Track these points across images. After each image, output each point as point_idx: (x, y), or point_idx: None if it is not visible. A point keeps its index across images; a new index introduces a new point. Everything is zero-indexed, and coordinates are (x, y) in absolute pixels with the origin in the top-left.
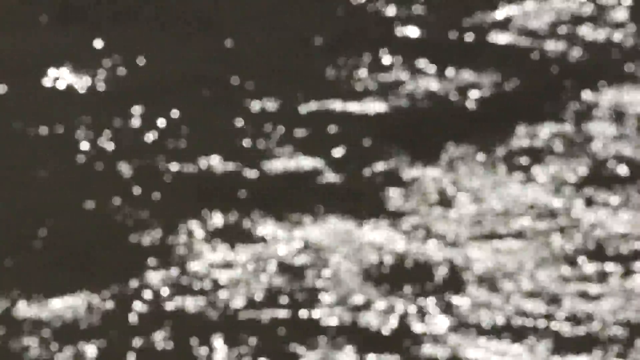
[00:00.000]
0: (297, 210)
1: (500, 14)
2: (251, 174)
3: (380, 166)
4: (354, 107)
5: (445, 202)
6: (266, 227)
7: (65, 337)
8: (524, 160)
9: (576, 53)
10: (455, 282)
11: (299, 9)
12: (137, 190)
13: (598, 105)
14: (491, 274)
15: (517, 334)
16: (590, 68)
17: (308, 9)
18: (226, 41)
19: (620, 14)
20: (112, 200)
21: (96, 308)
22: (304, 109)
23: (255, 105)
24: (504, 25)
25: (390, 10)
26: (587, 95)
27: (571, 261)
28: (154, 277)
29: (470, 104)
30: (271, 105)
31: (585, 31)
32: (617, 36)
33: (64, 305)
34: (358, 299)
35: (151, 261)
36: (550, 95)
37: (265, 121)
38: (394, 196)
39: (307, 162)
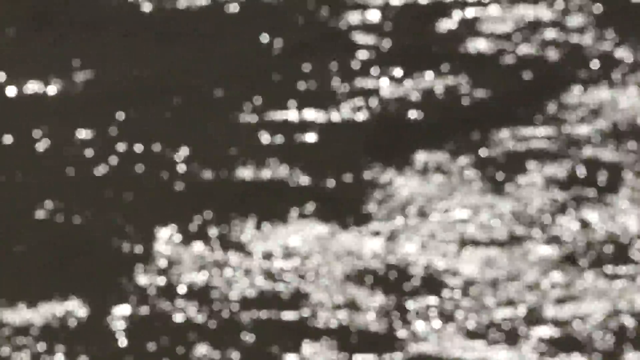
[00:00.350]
0: (275, 216)
1: (466, 18)
2: (229, 180)
3: (357, 173)
4: (328, 114)
5: (423, 208)
6: (246, 233)
7: (48, 344)
8: (500, 165)
9: (547, 56)
10: (435, 286)
11: (266, 17)
12: (113, 197)
13: (574, 108)
14: (472, 279)
15: (499, 339)
16: (562, 71)
17: (275, 17)
18: (195, 50)
19: (582, 19)
20: (88, 207)
21: (79, 315)
22: (279, 116)
23: (228, 113)
24: (472, 30)
25: (358, 18)
26: (562, 98)
27: (553, 267)
28: (134, 282)
29: (445, 111)
30: (245, 112)
31: (552, 35)
32: (585, 39)
33: (46, 312)
34: (339, 303)
35: (130, 267)
36: (524, 100)
37: (239, 129)
38: (371, 202)
39: (283, 169)
